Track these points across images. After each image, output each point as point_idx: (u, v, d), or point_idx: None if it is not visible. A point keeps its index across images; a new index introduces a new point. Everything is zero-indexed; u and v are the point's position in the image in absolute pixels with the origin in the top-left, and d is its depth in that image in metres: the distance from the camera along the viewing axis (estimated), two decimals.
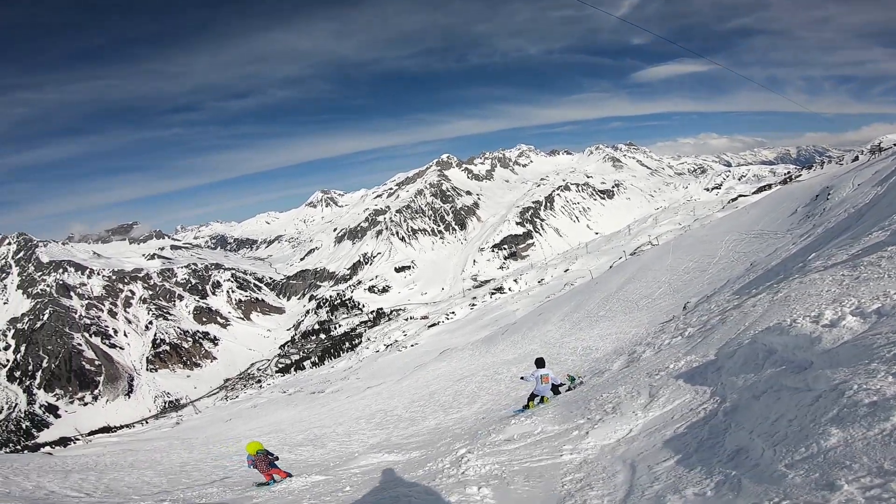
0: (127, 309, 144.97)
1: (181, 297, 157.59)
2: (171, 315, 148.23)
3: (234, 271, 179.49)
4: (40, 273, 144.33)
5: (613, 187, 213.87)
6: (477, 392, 19.42)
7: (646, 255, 42.19)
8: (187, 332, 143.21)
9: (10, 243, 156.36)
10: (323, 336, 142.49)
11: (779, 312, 6.88)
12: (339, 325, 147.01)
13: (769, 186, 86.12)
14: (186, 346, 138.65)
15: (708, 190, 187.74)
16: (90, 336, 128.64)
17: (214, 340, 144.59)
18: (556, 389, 10.34)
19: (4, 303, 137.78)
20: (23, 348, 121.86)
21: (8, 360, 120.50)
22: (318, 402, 37.49)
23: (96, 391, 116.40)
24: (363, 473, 7.93)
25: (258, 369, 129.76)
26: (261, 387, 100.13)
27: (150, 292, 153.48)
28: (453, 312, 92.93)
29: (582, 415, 6.97)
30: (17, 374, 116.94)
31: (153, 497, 9.17)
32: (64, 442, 64.29)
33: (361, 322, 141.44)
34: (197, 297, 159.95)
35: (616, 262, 60.50)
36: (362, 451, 13.74)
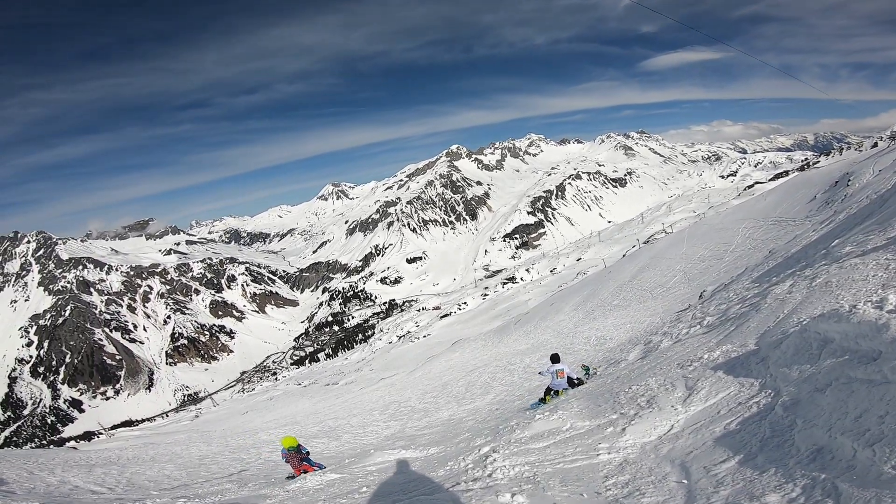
0: (145, 304, 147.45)
1: (197, 292, 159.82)
2: (188, 309, 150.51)
3: (248, 265, 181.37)
4: (60, 270, 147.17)
5: (625, 175, 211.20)
6: (490, 383, 19.45)
7: (659, 243, 41.65)
8: (204, 325, 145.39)
9: (29, 242, 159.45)
10: (336, 328, 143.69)
11: (823, 299, 6.59)
12: (353, 317, 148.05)
13: (786, 173, 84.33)
14: (204, 339, 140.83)
15: (723, 177, 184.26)
16: (111, 331, 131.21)
17: (230, 334, 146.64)
18: (572, 383, 10.32)
19: (26, 300, 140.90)
20: (46, 344, 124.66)
21: (31, 357, 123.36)
22: (333, 394, 37.87)
23: (118, 385, 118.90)
24: (379, 472, 7.62)
25: (273, 362, 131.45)
26: (276, 379, 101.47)
27: (168, 287, 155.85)
28: (465, 303, 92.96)
29: (613, 409, 6.61)
30: (41, 369, 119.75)
31: (172, 492, 9.32)
32: (88, 436, 65.91)
33: (374, 313, 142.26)
34: (213, 291, 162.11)
35: (629, 251, 59.90)
36: (377, 442, 13.85)
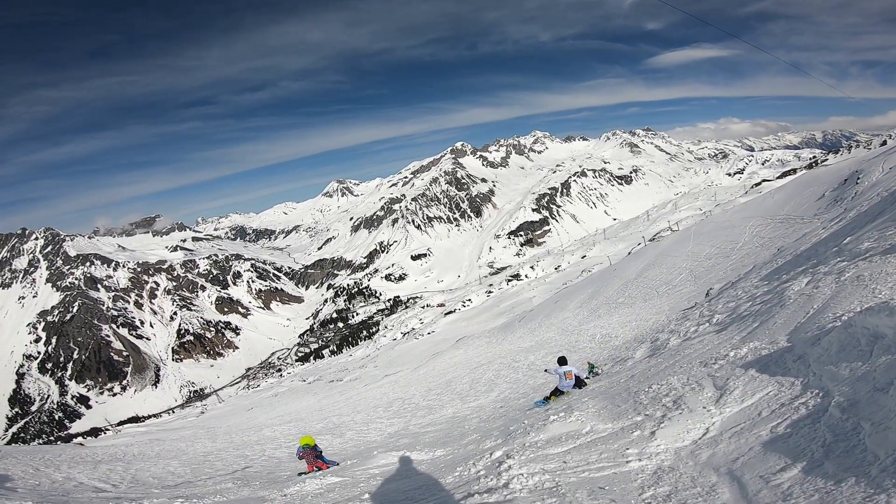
0: (152, 300, 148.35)
1: (203, 288, 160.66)
2: (194, 305, 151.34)
3: (253, 261, 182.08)
4: (68, 266, 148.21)
5: (631, 173, 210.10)
6: (494, 380, 19.39)
7: (665, 241, 41.43)
8: (210, 322, 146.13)
9: (37, 238, 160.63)
10: (341, 324, 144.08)
11: (858, 293, 6.26)
12: (357, 314, 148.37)
13: (794, 171, 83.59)
14: (209, 335, 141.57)
15: (730, 175, 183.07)
16: (118, 327, 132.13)
17: (236, 330, 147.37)
18: (580, 383, 10.27)
19: (34, 296, 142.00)
20: (53, 340, 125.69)
21: (39, 353, 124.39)
22: (337, 391, 37.97)
23: (125, 381, 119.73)
24: (382, 476, 7.24)
25: (278, 358, 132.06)
26: (281, 375, 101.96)
27: (174, 283, 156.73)
28: (469, 300, 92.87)
29: (635, 410, 6.20)
30: (49, 365, 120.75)
31: (173, 490, 9.32)
32: (95, 432, 66.31)
33: (378, 310, 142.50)
34: (218, 288, 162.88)
35: (635, 249, 59.60)
36: (381, 440, 13.82)
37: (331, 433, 16.83)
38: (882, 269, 6.79)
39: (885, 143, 56.69)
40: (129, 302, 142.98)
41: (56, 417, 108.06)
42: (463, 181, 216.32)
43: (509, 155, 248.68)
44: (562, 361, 10.49)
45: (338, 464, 9.42)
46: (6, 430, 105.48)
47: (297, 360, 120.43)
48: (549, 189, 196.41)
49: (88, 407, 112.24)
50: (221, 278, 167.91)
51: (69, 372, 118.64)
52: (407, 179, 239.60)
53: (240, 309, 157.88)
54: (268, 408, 39.85)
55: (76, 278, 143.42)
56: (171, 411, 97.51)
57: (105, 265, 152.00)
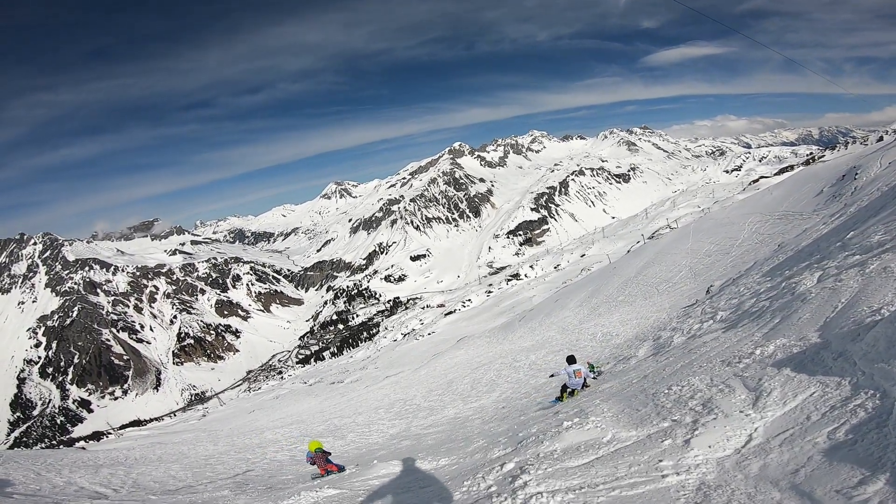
0: (152, 304, 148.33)
1: (203, 291, 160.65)
2: (194, 309, 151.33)
3: (252, 264, 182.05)
4: (67, 271, 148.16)
5: (629, 171, 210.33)
6: (495, 380, 19.38)
7: (664, 238, 41.43)
8: (210, 325, 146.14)
9: (36, 243, 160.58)
10: (341, 326, 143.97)
11: (889, 286, 5.98)
12: (357, 315, 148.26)
13: (791, 167, 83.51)
14: (210, 339, 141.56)
15: (727, 172, 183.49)
16: (118, 331, 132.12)
17: (236, 333, 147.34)
18: (585, 384, 10.42)
19: (33, 301, 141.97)
20: (54, 345, 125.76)
21: (40, 357, 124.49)
22: (338, 392, 37.92)
23: (126, 385, 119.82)
24: (383, 489, 6.81)
25: (279, 360, 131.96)
26: (282, 378, 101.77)
27: (174, 287, 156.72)
28: (469, 300, 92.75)
29: (659, 414, 5.68)
30: (50, 370, 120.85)
31: (173, 495, 9.28)
32: (97, 436, 66.29)
33: (378, 311, 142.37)
34: (218, 291, 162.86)
35: (634, 247, 59.60)
36: (382, 441, 13.79)
37: (332, 435, 16.80)
38: None
39: (881, 138, 56.71)
40: (128, 306, 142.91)
41: (58, 422, 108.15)
42: (461, 181, 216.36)
43: (507, 155, 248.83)
44: (570, 360, 10.69)
45: (345, 468, 9.51)
46: (8, 435, 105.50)
47: (297, 363, 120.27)
48: (548, 188, 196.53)
49: (90, 411, 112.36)
50: (221, 281, 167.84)
51: (70, 376, 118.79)
52: (405, 180, 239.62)
53: (240, 312, 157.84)
54: (269, 410, 39.80)
55: (75, 283, 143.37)
56: (172, 414, 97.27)
57: (104, 269, 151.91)
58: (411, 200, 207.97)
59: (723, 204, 60.41)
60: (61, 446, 67.04)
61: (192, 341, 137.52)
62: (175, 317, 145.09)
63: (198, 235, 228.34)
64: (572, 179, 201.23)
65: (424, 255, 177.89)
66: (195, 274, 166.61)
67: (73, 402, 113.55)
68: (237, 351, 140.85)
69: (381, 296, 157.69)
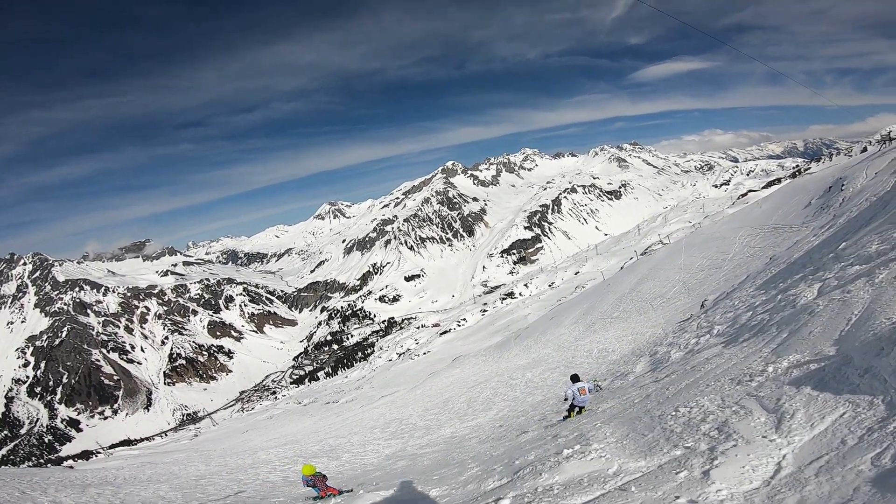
0: (143, 325, 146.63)
1: (195, 312, 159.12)
2: (186, 330, 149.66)
3: (245, 285, 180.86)
4: (57, 292, 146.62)
5: (620, 188, 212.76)
6: (492, 398, 19.21)
7: (657, 254, 41.70)
8: (202, 346, 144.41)
9: (25, 263, 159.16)
10: (336, 346, 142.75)
11: None
12: (352, 336, 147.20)
13: (779, 180, 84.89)
14: (202, 359, 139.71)
15: (716, 186, 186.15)
16: (108, 352, 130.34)
17: (229, 354, 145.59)
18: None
19: (22, 321, 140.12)
20: (42, 365, 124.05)
21: (28, 377, 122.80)
22: (333, 412, 37.38)
23: (116, 405, 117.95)
24: None
25: (273, 381, 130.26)
26: (276, 398, 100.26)
27: (165, 308, 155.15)
28: (464, 319, 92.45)
29: (668, 440, 5.14)
30: (38, 389, 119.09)
31: None
32: (86, 455, 64.67)
33: (373, 332, 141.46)
34: (210, 312, 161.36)
35: (627, 263, 59.92)
36: (378, 462, 13.58)
37: (327, 455, 16.53)
38: None
39: (865, 149, 57.91)
40: (119, 327, 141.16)
41: (46, 440, 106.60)
42: (454, 201, 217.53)
43: (500, 173, 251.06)
44: (575, 378, 10.71)
45: (343, 492, 9.27)
46: None
47: (291, 383, 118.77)
48: (541, 206, 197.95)
49: (79, 430, 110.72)
50: (213, 302, 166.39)
51: (59, 395, 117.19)
52: (399, 200, 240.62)
53: (232, 332, 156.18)
54: (263, 430, 39.10)
55: (65, 303, 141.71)
56: (164, 434, 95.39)
57: (94, 290, 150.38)
58: (405, 220, 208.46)
59: (713, 218, 61.09)
60: (49, 465, 65.29)
61: (183, 362, 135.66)
62: (167, 337, 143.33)
63: (190, 256, 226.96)
64: (564, 197, 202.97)
65: (419, 275, 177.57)
66: (187, 295, 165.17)
67: (62, 422, 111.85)
68: (230, 371, 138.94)
69: (375, 316, 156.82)
